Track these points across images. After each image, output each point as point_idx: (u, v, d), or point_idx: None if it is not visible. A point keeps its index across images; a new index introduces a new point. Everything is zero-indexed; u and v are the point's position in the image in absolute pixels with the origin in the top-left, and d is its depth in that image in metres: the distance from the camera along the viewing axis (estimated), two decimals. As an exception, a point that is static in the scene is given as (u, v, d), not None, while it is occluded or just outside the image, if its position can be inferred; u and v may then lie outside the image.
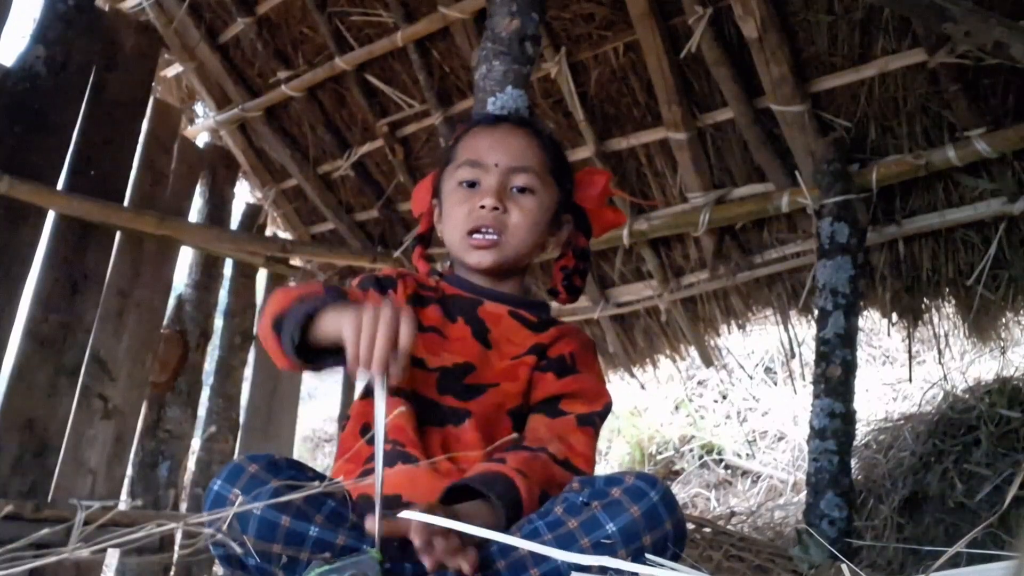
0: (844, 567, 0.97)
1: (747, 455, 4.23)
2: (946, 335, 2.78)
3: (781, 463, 4.03)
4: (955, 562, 0.91)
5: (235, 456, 3.23)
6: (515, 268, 1.36)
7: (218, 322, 3.34)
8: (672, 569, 0.85)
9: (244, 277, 3.44)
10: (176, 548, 2.77)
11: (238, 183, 3.57)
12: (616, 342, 3.34)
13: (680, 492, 3.93)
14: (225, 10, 3.14)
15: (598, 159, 2.83)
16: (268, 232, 3.69)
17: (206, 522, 0.83)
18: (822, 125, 2.48)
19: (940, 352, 2.81)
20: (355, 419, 1.27)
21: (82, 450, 2.71)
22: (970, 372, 3.00)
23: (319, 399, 6.14)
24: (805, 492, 2.28)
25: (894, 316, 2.78)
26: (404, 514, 0.91)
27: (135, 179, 2.99)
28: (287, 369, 1.12)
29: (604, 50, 2.65)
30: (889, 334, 3.25)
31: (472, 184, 1.32)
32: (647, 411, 4.68)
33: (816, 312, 2.37)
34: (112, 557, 2.98)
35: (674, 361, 3.48)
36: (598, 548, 0.95)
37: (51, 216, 2.73)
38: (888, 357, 4.75)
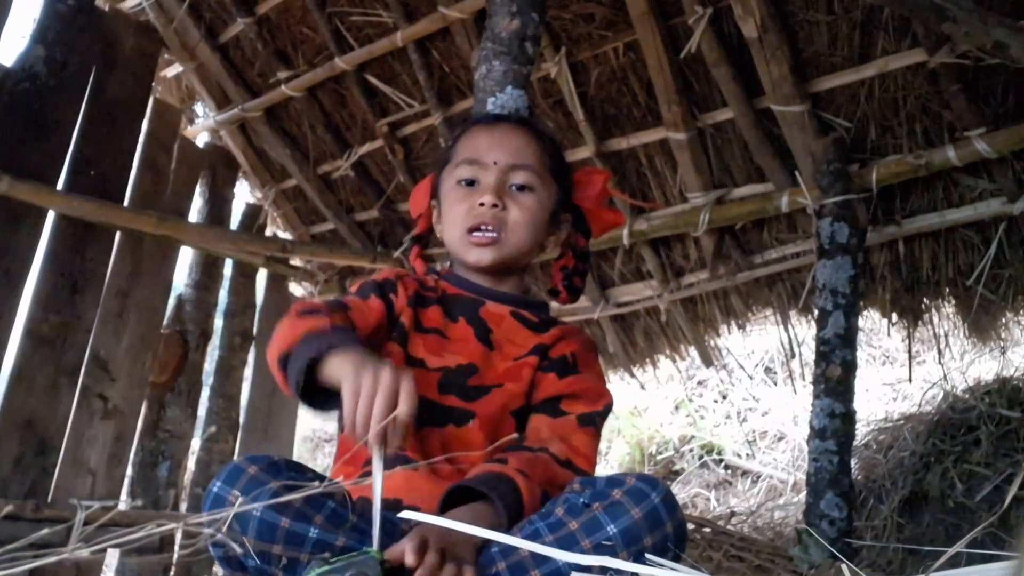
0: (844, 567, 0.97)
1: (747, 455, 4.23)
2: (946, 335, 2.78)
3: (781, 463, 4.03)
4: (955, 562, 0.91)
5: (235, 456, 3.23)
6: (515, 267, 1.35)
7: (218, 322, 3.34)
8: (672, 569, 0.85)
9: (244, 277, 3.44)
10: (176, 548, 2.77)
11: (238, 183, 3.58)
12: (616, 342, 3.34)
13: (680, 492, 3.93)
14: (225, 10, 3.14)
15: (598, 159, 2.83)
16: (268, 232, 3.69)
17: (205, 523, 0.83)
18: (822, 125, 2.48)
19: (940, 352, 2.81)
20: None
21: (82, 450, 2.71)
22: (970, 372, 3.00)
23: (319, 399, 6.13)
24: (805, 492, 2.27)
25: (894, 316, 2.78)
26: (404, 514, 0.91)
27: (135, 179, 2.99)
28: (293, 398, 1.12)
29: (604, 50, 2.65)
30: (889, 334, 3.25)
31: (471, 182, 1.32)
32: (647, 411, 4.68)
33: (816, 312, 2.36)
34: (112, 557, 2.98)
35: (674, 361, 3.48)
36: (599, 549, 0.95)
37: (51, 216, 2.73)
38: (888, 357, 4.74)
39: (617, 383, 3.59)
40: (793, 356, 3.56)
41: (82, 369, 2.74)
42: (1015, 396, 2.41)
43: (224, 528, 0.90)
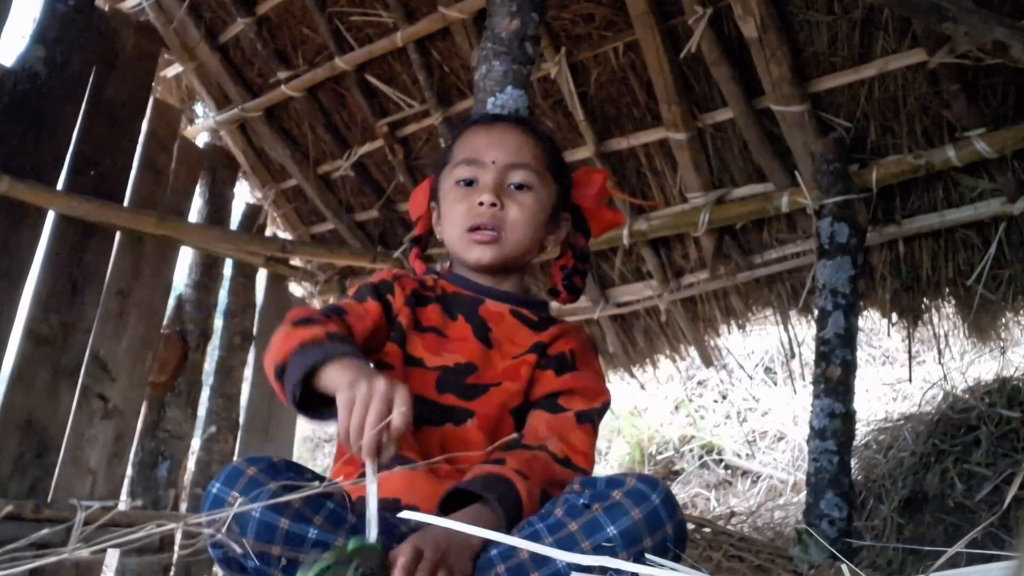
0: (844, 567, 0.97)
1: (747, 455, 4.23)
2: (946, 335, 2.78)
3: (781, 463, 4.03)
4: (955, 562, 0.91)
5: (235, 456, 3.23)
6: (515, 266, 1.35)
7: (218, 322, 3.34)
8: (672, 570, 0.85)
9: (244, 277, 3.44)
10: (176, 548, 2.77)
11: (238, 183, 3.58)
12: (616, 342, 3.34)
13: (680, 492, 3.93)
14: (225, 10, 3.14)
15: (598, 159, 2.83)
16: (268, 232, 3.69)
17: (205, 523, 0.83)
18: (822, 125, 2.48)
19: (940, 352, 2.81)
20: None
21: (82, 450, 2.71)
22: (970, 372, 3.00)
23: (319, 399, 6.13)
24: (805, 492, 2.27)
25: (894, 316, 2.78)
26: (404, 515, 0.91)
27: (135, 179, 2.99)
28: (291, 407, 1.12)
29: (604, 50, 2.65)
30: (889, 334, 3.24)
31: (470, 182, 1.32)
32: (647, 411, 4.68)
33: (816, 312, 2.36)
34: (112, 557, 2.98)
35: (674, 361, 3.48)
36: (599, 550, 0.95)
37: (51, 216, 2.73)
38: (888, 357, 4.74)
39: (617, 383, 3.59)
40: (793, 356, 3.57)
41: (82, 369, 2.74)
42: (1015, 396, 2.41)
43: (223, 529, 0.90)
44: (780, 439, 4.25)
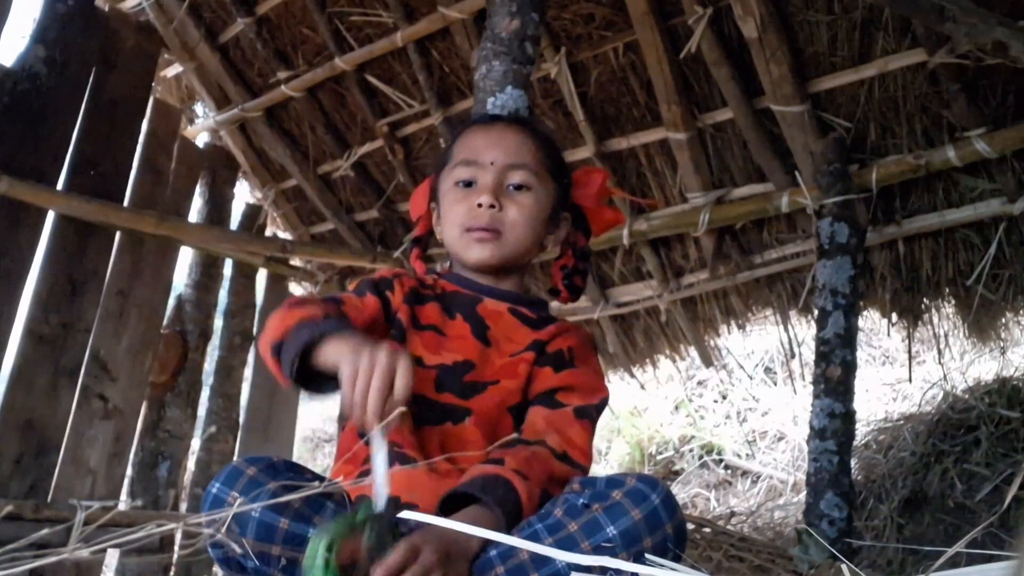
0: (844, 567, 0.97)
1: (747, 455, 4.23)
2: (946, 335, 2.78)
3: (781, 463, 4.03)
4: (955, 562, 0.91)
5: (235, 456, 3.23)
6: (514, 266, 1.35)
7: (218, 322, 3.34)
8: (672, 570, 0.85)
9: (244, 277, 3.44)
10: (176, 548, 2.77)
11: (238, 183, 3.58)
12: (616, 342, 3.34)
13: (680, 492, 3.93)
14: (225, 10, 3.14)
15: (598, 159, 2.83)
16: (268, 232, 3.69)
17: (205, 523, 0.83)
18: (822, 125, 2.48)
19: (940, 352, 2.81)
20: (354, 420, 1.27)
21: (82, 450, 2.71)
22: (970, 372, 3.00)
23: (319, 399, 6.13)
24: (805, 492, 2.27)
25: (894, 316, 2.78)
26: (403, 514, 0.91)
27: (135, 179, 2.99)
28: (288, 388, 1.12)
29: (604, 50, 2.65)
30: (889, 334, 3.24)
31: (469, 183, 1.32)
32: (647, 411, 4.68)
33: (816, 312, 2.36)
34: (112, 557, 2.98)
35: (674, 361, 3.48)
36: (599, 551, 0.95)
37: (51, 216, 2.73)
38: (888, 357, 4.74)
39: (617, 383, 3.59)
40: (793, 356, 3.57)
41: (82, 369, 2.74)
42: (1015, 396, 2.41)
43: (223, 529, 0.90)
44: (780, 439, 4.25)
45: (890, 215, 2.56)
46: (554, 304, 1.57)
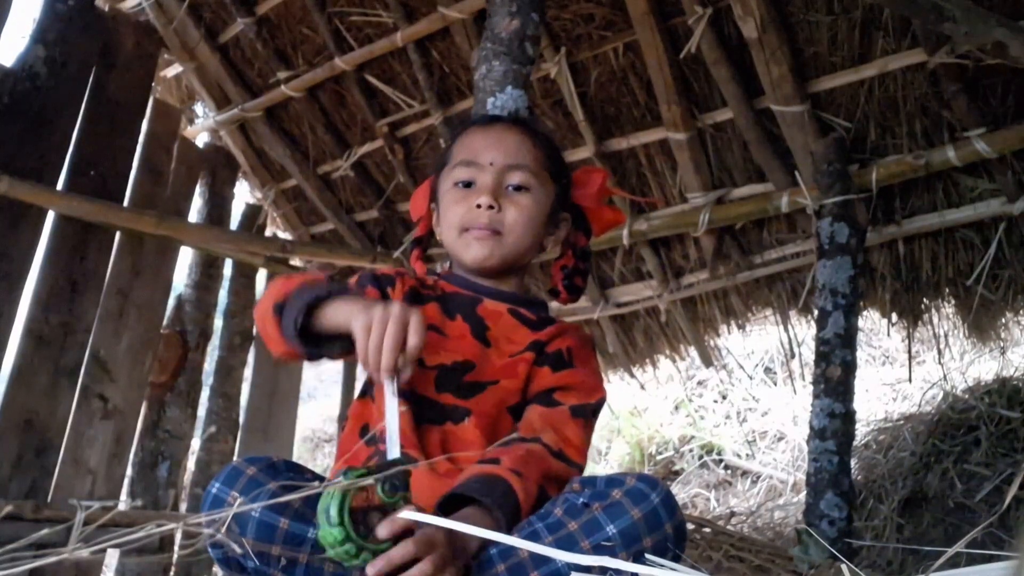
0: (844, 567, 0.97)
1: (747, 455, 4.23)
2: (946, 335, 2.78)
3: (781, 463, 4.03)
4: (955, 562, 0.91)
5: (235, 456, 3.23)
6: (514, 267, 1.35)
7: (218, 322, 3.34)
8: (672, 570, 0.85)
9: (244, 277, 3.44)
10: (176, 549, 2.77)
11: (238, 183, 3.57)
12: (616, 342, 3.34)
13: (680, 492, 3.93)
14: (225, 10, 3.14)
15: (598, 159, 2.83)
16: (268, 232, 3.69)
17: (205, 523, 0.83)
18: (822, 125, 2.48)
19: (940, 352, 2.81)
20: (354, 420, 1.27)
21: (82, 450, 2.71)
22: (970, 372, 3.00)
23: (319, 399, 6.14)
24: (805, 492, 2.27)
25: (894, 316, 2.78)
26: (403, 514, 0.91)
27: (135, 179, 2.99)
28: (282, 355, 1.12)
29: (604, 50, 2.65)
30: (889, 334, 3.25)
31: (468, 184, 1.32)
32: (647, 411, 4.68)
33: (816, 312, 2.36)
34: (112, 557, 2.98)
35: (674, 361, 3.48)
36: (598, 550, 0.95)
37: (51, 216, 2.73)
38: (888, 357, 4.74)
39: (617, 383, 3.59)
40: (793, 356, 3.57)
41: (82, 369, 2.73)
42: (1015, 396, 2.41)
43: (223, 529, 0.90)
44: (780, 439, 4.25)
45: (890, 215, 2.56)
46: (554, 304, 1.57)
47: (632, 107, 2.76)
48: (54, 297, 2.69)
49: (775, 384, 4.70)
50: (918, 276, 2.64)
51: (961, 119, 2.31)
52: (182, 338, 3.12)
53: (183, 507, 3.08)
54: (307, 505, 0.99)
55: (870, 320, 3.20)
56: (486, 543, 0.99)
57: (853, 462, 2.38)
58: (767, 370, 4.81)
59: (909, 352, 2.92)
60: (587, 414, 1.26)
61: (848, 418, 2.22)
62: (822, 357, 2.27)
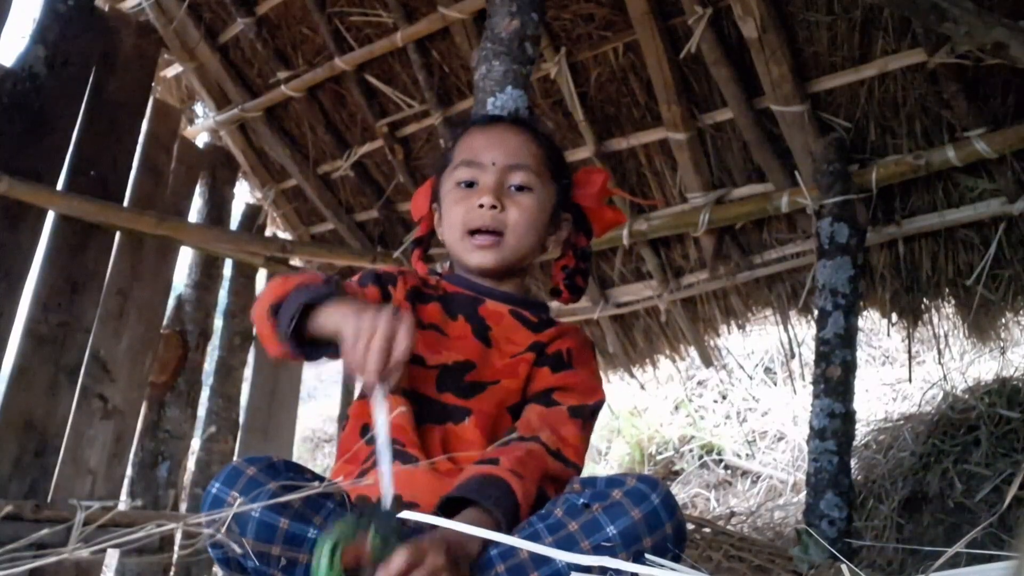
0: (844, 567, 0.97)
1: (747, 455, 4.23)
2: (946, 335, 2.78)
3: (781, 463, 4.03)
4: (955, 562, 0.91)
5: (235, 456, 3.23)
6: (516, 268, 1.36)
7: (218, 322, 3.34)
8: (672, 570, 0.85)
9: (244, 277, 3.44)
10: (176, 549, 2.76)
11: (238, 183, 3.57)
12: (616, 342, 3.34)
13: (680, 492, 3.93)
14: (225, 10, 3.14)
15: (598, 159, 2.83)
16: (268, 232, 3.69)
17: (205, 523, 0.83)
18: (822, 125, 2.48)
19: (940, 352, 2.81)
20: (354, 419, 1.27)
21: (82, 450, 2.71)
22: (970, 372, 3.00)
23: (319, 399, 6.14)
24: (805, 492, 2.28)
25: (894, 316, 2.78)
26: (404, 514, 0.91)
27: (135, 179, 2.99)
28: (278, 355, 1.12)
29: (604, 50, 2.65)
30: (889, 334, 3.25)
31: (470, 184, 1.32)
32: (647, 411, 4.68)
33: (816, 312, 2.37)
34: (112, 557, 2.98)
35: (674, 361, 3.48)
36: (598, 551, 0.95)
37: (51, 216, 2.73)
38: (888, 357, 4.75)
39: (617, 383, 3.59)
40: (793, 356, 3.57)
41: (82, 369, 2.73)
42: (1015, 396, 2.41)
43: (223, 529, 0.90)
44: (780, 439, 4.25)
45: (890, 215, 2.56)
46: (554, 304, 1.57)
47: (632, 107, 2.76)
48: (54, 297, 2.69)
49: (775, 384, 4.70)
50: (918, 276, 2.64)
51: (961, 119, 2.31)
52: (182, 338, 3.12)
53: (183, 507, 3.08)
54: (307, 505, 0.99)
55: (870, 320, 3.20)
56: (488, 543, 0.99)
57: (853, 462, 2.37)
58: (767, 370, 4.81)
59: (909, 352, 2.93)
60: (585, 415, 1.26)
61: (848, 418, 2.22)
62: (822, 357, 2.27)
